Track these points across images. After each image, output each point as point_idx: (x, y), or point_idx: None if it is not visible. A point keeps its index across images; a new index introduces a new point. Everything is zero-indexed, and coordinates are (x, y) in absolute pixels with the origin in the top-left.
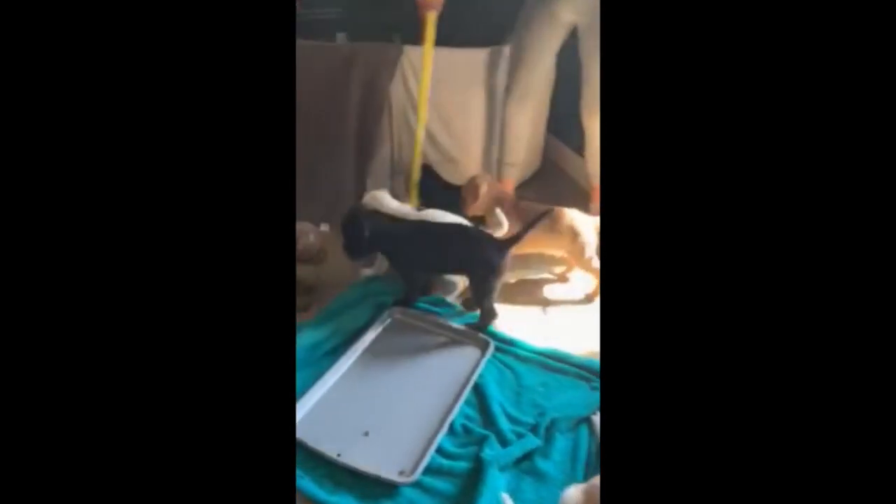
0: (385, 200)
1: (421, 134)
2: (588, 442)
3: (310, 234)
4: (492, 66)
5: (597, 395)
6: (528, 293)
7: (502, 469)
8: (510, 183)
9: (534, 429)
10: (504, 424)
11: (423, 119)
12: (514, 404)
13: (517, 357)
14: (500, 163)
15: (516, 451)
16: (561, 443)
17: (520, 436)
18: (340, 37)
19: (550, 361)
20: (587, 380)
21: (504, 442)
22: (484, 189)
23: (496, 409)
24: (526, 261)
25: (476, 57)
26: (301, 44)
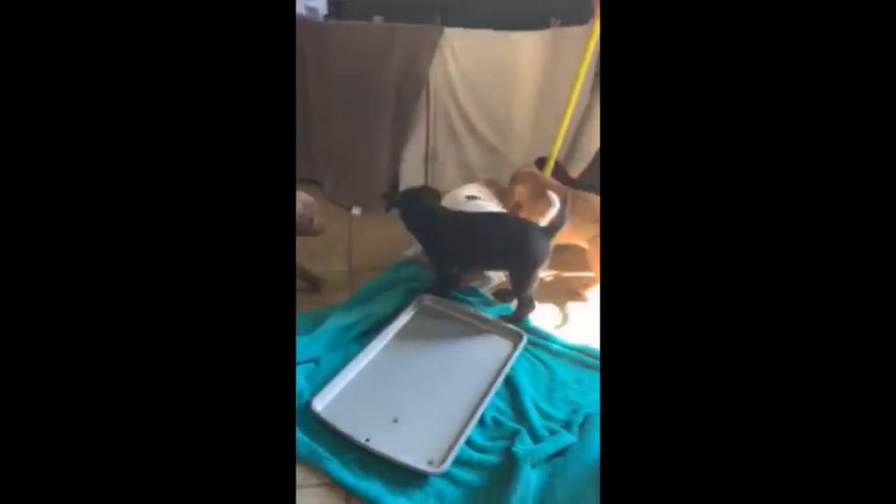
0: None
1: (566, 123)
2: None
3: (299, 202)
4: (551, 50)
5: None
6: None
7: (534, 465)
8: (576, 172)
9: (567, 425)
10: (536, 420)
11: (573, 103)
12: (546, 399)
13: (550, 352)
14: (569, 152)
15: (549, 447)
16: (596, 440)
17: (552, 432)
18: (377, 19)
19: (585, 358)
20: None
21: (536, 437)
22: (520, 190)
23: (528, 404)
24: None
25: (529, 41)
26: (337, 24)
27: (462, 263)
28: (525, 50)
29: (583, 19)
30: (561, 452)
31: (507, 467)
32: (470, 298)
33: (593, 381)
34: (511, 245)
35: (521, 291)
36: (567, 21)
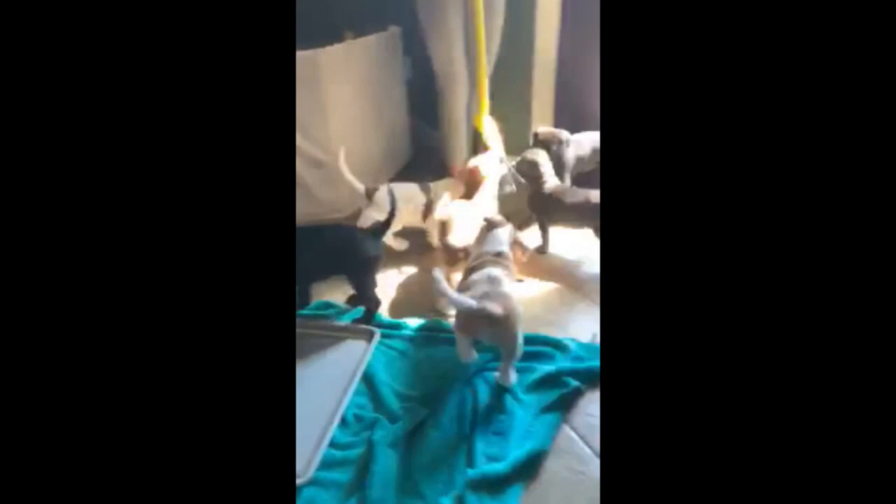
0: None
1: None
2: (473, 396)
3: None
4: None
5: (481, 354)
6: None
7: (392, 445)
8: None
9: (422, 400)
10: (393, 404)
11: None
12: (403, 383)
13: (403, 338)
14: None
15: (405, 425)
16: (449, 405)
17: (409, 410)
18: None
19: (435, 334)
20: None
21: (394, 420)
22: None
23: (385, 392)
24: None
25: (326, 57)
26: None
27: (312, 278)
28: (325, 66)
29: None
30: (419, 426)
31: (368, 455)
32: (324, 312)
33: (447, 353)
34: (341, 251)
35: (363, 293)
36: (361, 32)
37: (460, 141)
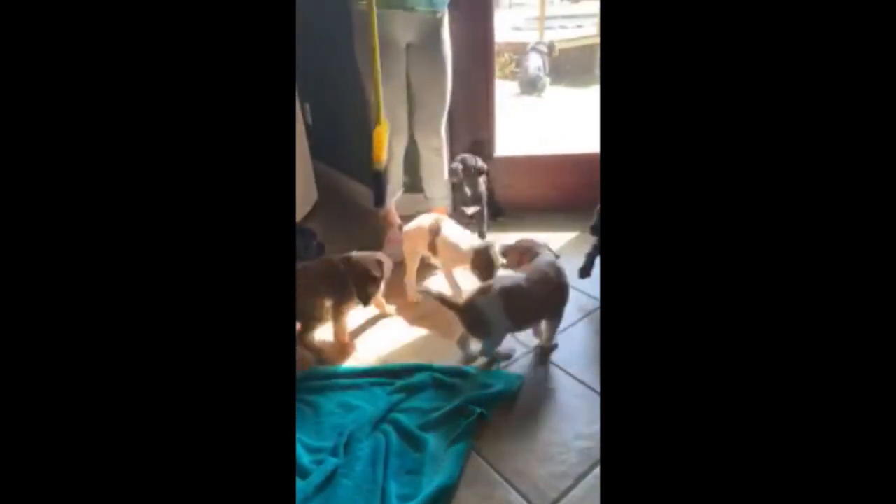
0: None
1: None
2: (385, 438)
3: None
4: None
5: (392, 393)
6: None
7: (305, 502)
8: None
9: (333, 450)
10: (305, 459)
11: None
12: (314, 435)
13: (312, 390)
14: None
15: (316, 478)
16: (361, 451)
17: (320, 462)
18: None
19: (343, 381)
20: (381, 384)
21: (305, 476)
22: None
23: (296, 448)
24: None
25: None
26: None
27: None
28: None
29: None
30: (330, 477)
31: None
32: None
33: (355, 397)
34: None
35: None
36: None
37: (398, 177)
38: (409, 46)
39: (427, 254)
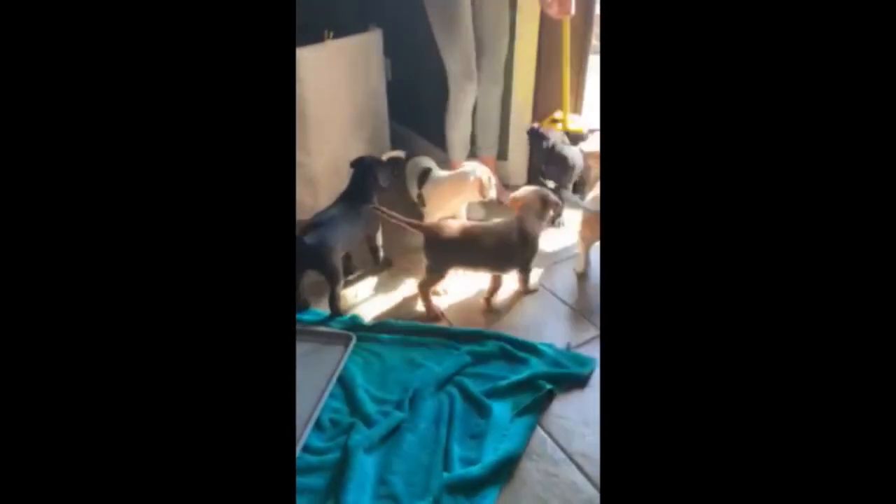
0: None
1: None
2: (450, 399)
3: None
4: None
5: (459, 356)
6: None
7: (368, 450)
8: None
9: (398, 404)
10: (370, 408)
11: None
12: (379, 386)
13: (380, 342)
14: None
15: (381, 429)
16: (425, 409)
17: (386, 414)
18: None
19: (413, 337)
20: (446, 346)
21: (370, 424)
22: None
23: (361, 396)
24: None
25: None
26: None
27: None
28: (304, 66)
29: (355, 30)
30: (395, 430)
31: (344, 460)
32: (306, 317)
33: (422, 356)
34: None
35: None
36: (341, 32)
37: (465, 136)
38: None
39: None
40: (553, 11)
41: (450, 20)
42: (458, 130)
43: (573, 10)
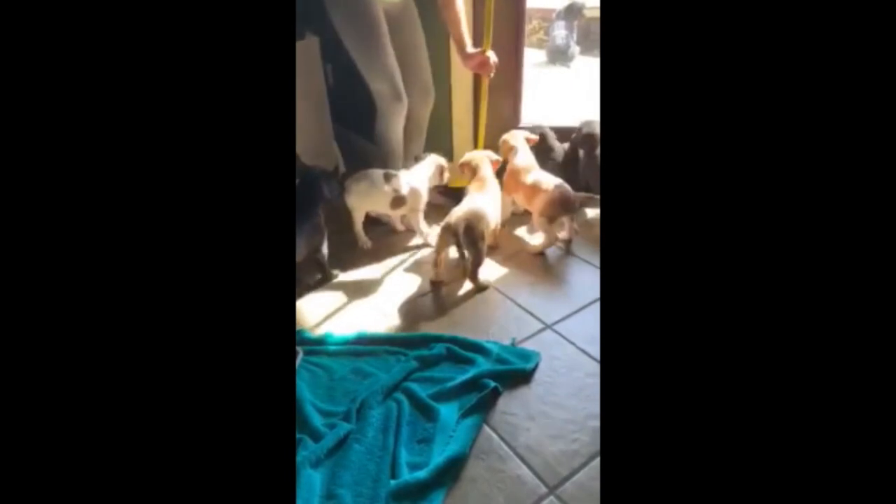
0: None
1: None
2: (398, 406)
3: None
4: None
5: (406, 362)
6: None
7: (315, 465)
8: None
9: (346, 415)
10: (317, 421)
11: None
12: (327, 399)
13: (327, 354)
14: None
15: (328, 442)
16: (373, 418)
17: (332, 427)
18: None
19: (359, 347)
20: (395, 353)
21: (318, 438)
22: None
23: (308, 411)
24: None
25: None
26: None
27: None
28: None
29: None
30: (342, 442)
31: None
32: None
33: (369, 365)
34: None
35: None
36: None
37: (398, 156)
38: (385, 13)
39: None
40: (472, 68)
41: (367, 46)
42: (392, 143)
43: (493, 73)
